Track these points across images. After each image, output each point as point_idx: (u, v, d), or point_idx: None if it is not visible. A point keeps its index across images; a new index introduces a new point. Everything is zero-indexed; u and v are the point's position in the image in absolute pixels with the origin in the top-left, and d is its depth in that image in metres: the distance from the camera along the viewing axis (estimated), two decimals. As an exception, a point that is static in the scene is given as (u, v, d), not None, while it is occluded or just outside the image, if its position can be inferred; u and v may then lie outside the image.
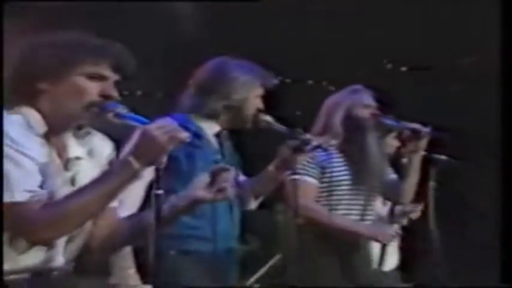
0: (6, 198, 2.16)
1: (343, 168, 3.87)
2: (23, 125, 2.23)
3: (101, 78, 2.29)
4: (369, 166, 3.83)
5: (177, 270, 3.14)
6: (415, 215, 4.15)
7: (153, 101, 5.65)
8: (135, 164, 2.19)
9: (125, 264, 3.10)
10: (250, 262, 5.17)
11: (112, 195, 2.24)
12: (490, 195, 5.62)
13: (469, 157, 4.61)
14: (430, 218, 4.03)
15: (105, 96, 2.26)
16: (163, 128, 2.18)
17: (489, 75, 5.42)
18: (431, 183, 4.02)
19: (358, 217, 3.94)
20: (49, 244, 2.23)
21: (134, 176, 2.21)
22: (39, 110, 2.27)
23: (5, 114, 2.25)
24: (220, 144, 3.35)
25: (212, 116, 3.28)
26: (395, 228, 3.96)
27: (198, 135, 3.20)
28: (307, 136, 3.33)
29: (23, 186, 2.17)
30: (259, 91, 3.32)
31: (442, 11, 5.29)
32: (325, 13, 5.29)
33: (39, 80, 2.26)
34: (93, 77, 2.27)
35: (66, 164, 2.34)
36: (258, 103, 3.33)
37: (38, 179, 2.20)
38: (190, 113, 3.28)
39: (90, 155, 2.43)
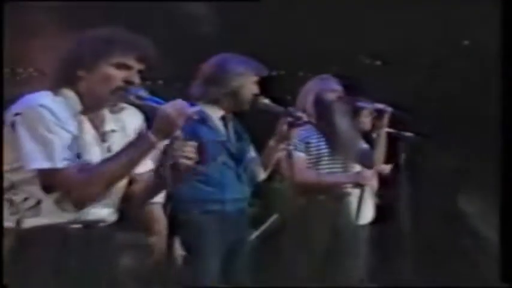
0: (49, 165, 2.35)
1: (321, 143, 4.18)
2: (64, 104, 2.41)
3: (126, 67, 2.45)
4: (339, 140, 4.13)
5: (199, 225, 3.51)
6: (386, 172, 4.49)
7: (172, 90, 5.58)
8: (152, 138, 2.38)
9: (159, 227, 3.24)
10: (254, 221, 5.27)
11: (134, 162, 2.42)
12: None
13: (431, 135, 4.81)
14: (401, 182, 4.33)
15: (129, 82, 2.44)
16: (174, 105, 2.37)
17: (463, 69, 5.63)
18: (402, 155, 4.32)
19: None
20: (87, 202, 2.40)
21: (151, 147, 2.40)
22: (77, 93, 2.45)
23: (51, 95, 2.42)
24: (225, 126, 3.66)
25: (215, 102, 3.60)
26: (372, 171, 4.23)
27: (204, 119, 3.50)
28: (299, 113, 3.63)
29: (62, 155, 2.35)
30: (253, 79, 3.62)
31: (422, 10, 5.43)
32: (315, 14, 5.44)
33: (79, 68, 2.44)
34: (119, 66, 2.44)
35: (103, 136, 2.52)
36: (254, 89, 3.62)
37: (75, 149, 2.38)
38: (198, 101, 3.53)
39: (123, 127, 2.58)
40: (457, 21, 5.51)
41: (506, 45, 3.58)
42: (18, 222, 2.38)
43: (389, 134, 4.37)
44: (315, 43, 5.45)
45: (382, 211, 4.48)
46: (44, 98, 2.42)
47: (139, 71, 2.49)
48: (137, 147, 2.41)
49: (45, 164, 2.36)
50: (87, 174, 2.39)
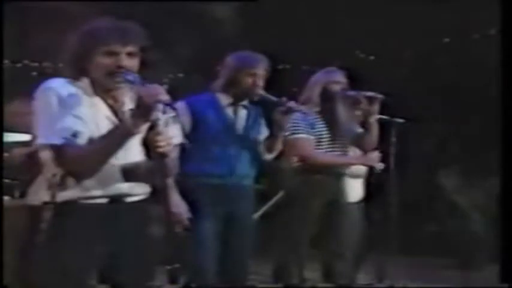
0: (47, 141, 2.39)
1: (323, 128, 4.32)
2: (75, 89, 2.46)
3: (114, 54, 2.46)
4: (338, 126, 4.30)
5: (199, 196, 3.65)
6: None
7: (192, 82, 5.96)
8: (128, 125, 2.38)
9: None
10: (262, 197, 5.37)
11: (113, 147, 2.42)
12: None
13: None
14: (391, 164, 4.48)
15: (119, 67, 2.45)
16: (148, 90, 2.35)
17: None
18: (392, 139, 4.53)
19: None
20: (84, 177, 2.42)
21: (129, 134, 2.39)
22: (91, 80, 2.50)
23: (63, 81, 2.47)
24: (235, 111, 3.80)
25: (223, 91, 3.79)
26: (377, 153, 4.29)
27: (216, 105, 3.74)
28: (291, 103, 3.72)
29: (62, 134, 2.38)
30: (249, 72, 3.74)
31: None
32: (319, 14, 5.82)
33: (82, 60, 2.49)
34: (108, 53, 2.47)
35: (122, 115, 2.49)
36: (249, 81, 3.74)
37: (78, 129, 2.41)
38: (216, 92, 3.79)
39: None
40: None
41: (505, 46, 3.57)
42: (52, 196, 2.42)
43: (380, 120, 4.44)
44: (317, 41, 5.79)
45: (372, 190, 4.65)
46: (55, 82, 2.45)
47: (130, 54, 2.48)
48: (115, 134, 2.40)
49: (44, 140, 2.40)
50: (75, 151, 2.38)
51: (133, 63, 2.48)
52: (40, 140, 2.43)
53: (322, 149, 4.35)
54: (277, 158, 4.13)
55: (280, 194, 5.25)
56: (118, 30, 2.47)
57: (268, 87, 3.86)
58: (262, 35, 5.79)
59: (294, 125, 4.27)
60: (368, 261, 4.68)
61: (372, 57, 6.54)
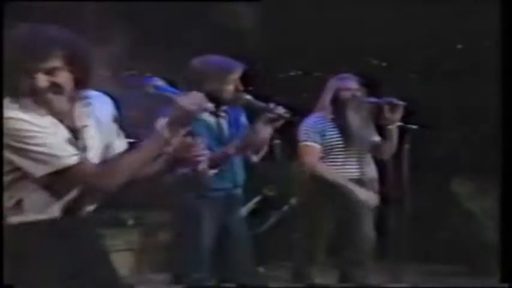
0: (59, 165, 2.18)
1: (336, 134, 4.30)
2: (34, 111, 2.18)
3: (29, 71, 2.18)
4: (352, 133, 4.27)
5: (192, 209, 3.54)
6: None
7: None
8: (166, 135, 2.28)
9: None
10: (269, 207, 5.60)
11: (148, 158, 2.33)
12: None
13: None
14: (404, 170, 4.46)
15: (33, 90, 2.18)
16: (191, 98, 2.30)
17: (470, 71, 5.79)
18: (406, 146, 4.45)
19: (354, 169, 4.33)
20: (107, 190, 2.32)
21: (165, 144, 2.31)
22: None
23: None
24: (216, 119, 3.61)
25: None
26: (377, 198, 4.24)
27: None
28: (279, 110, 3.46)
29: (69, 152, 2.20)
30: (231, 77, 3.56)
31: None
32: (331, 20, 5.74)
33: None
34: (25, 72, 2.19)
35: (76, 133, 2.31)
36: (231, 87, 3.55)
37: (73, 145, 2.24)
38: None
39: (95, 119, 2.37)
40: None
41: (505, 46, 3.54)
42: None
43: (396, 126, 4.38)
44: (330, 47, 5.76)
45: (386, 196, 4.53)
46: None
47: (49, 72, 2.22)
48: (150, 145, 2.32)
49: (67, 160, 2.21)
50: (107, 167, 2.31)
51: (58, 79, 2.19)
52: (41, 171, 2.21)
53: (334, 157, 4.32)
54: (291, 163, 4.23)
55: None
56: (30, 42, 2.14)
57: (280, 92, 3.95)
58: (276, 41, 5.80)
59: (304, 131, 4.29)
60: (381, 268, 4.61)
61: (384, 64, 6.55)
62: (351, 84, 4.33)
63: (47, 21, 2.17)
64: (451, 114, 6.21)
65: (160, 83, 2.36)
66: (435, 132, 5.38)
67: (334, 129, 4.30)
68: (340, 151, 4.30)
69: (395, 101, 4.22)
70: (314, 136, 4.25)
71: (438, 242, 5.99)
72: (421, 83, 6.33)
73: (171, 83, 2.37)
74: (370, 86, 4.41)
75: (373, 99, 4.33)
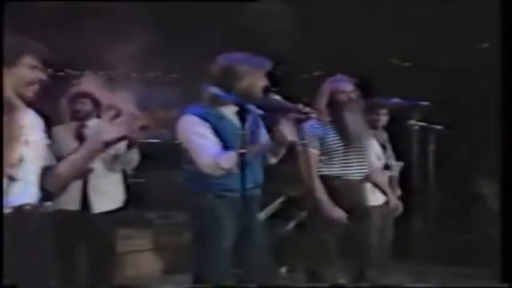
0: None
1: (335, 137, 4.24)
2: None
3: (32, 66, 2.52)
4: (350, 134, 4.20)
5: (212, 209, 3.52)
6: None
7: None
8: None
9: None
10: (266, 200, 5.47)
11: (85, 163, 2.57)
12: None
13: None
14: (430, 171, 4.43)
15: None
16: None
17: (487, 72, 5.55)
18: (431, 146, 4.43)
19: (355, 171, 4.27)
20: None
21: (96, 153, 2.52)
22: None
23: None
24: (241, 119, 3.52)
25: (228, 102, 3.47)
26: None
27: (220, 117, 3.47)
28: (307, 110, 3.37)
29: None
30: (259, 74, 3.50)
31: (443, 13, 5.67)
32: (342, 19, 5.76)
33: None
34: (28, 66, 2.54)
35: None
36: (261, 84, 3.49)
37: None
38: (212, 101, 3.47)
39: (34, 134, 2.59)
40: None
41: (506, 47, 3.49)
42: None
43: (420, 127, 4.41)
44: (351, 47, 5.72)
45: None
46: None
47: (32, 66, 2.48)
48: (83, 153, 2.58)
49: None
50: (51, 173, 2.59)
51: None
52: None
53: (334, 161, 4.27)
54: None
55: (281, 198, 5.64)
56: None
57: (303, 93, 3.77)
58: (291, 43, 5.78)
59: (303, 135, 4.13)
60: (403, 269, 4.62)
61: (407, 64, 6.48)
62: (345, 86, 4.28)
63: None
64: (474, 114, 6.16)
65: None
66: (459, 133, 5.37)
67: (333, 132, 4.25)
68: (340, 153, 4.26)
69: (398, 100, 4.28)
70: (312, 141, 4.21)
71: (463, 244, 6.00)
72: (444, 81, 6.29)
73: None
74: (364, 86, 4.37)
75: (375, 100, 4.44)
